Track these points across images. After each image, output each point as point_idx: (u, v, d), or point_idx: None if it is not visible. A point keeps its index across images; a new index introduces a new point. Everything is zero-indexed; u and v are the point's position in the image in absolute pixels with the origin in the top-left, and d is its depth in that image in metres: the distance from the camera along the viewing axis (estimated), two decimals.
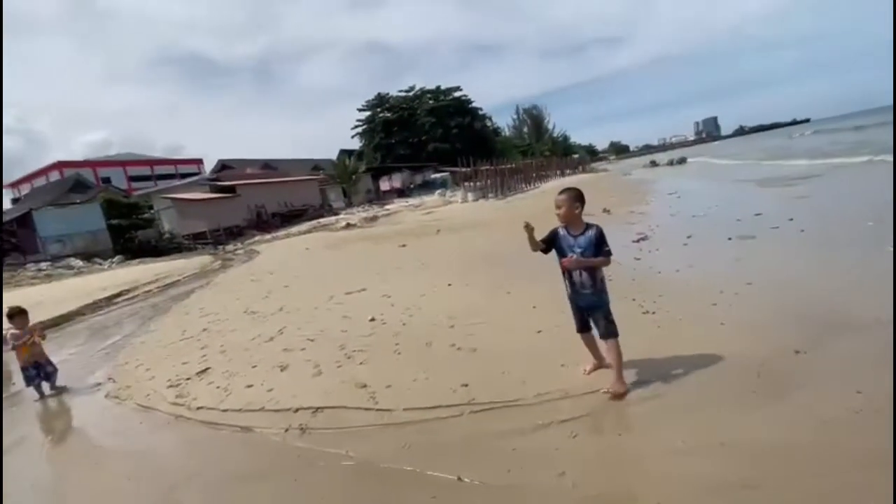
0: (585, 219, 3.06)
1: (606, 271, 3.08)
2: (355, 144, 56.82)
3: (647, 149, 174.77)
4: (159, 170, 54.12)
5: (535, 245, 3.12)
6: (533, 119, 70.52)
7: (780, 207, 8.92)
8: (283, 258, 13.75)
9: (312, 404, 3.36)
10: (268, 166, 45.73)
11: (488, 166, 28.67)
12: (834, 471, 2.02)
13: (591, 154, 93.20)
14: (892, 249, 4.87)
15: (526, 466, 2.33)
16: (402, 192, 41.51)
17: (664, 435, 2.42)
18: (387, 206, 30.56)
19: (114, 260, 21.87)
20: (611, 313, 3.04)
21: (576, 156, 61.77)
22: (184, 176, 46.86)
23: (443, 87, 55.17)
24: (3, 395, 5.05)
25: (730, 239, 6.81)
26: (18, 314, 4.84)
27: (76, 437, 3.76)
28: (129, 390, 4.39)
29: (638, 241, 7.64)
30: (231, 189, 30.40)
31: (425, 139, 51.78)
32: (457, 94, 54.80)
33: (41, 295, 12.67)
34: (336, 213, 30.92)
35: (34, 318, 5.75)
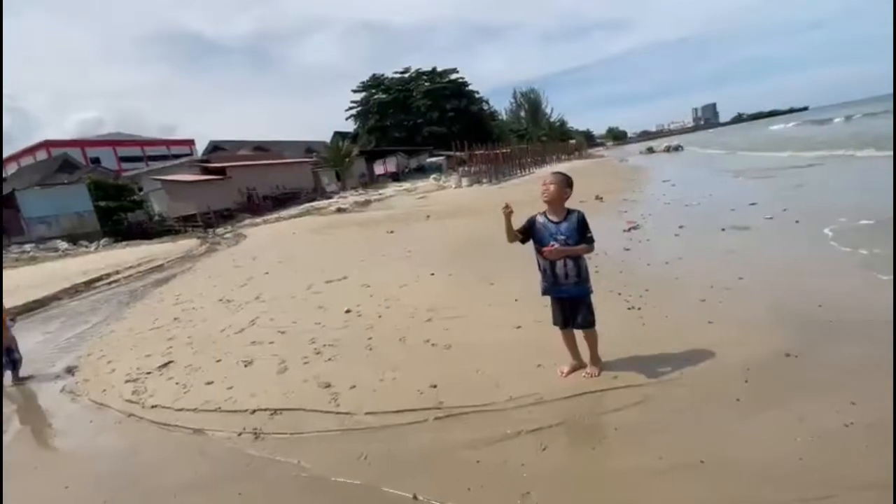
0: (578, 206, 2.92)
1: (593, 263, 2.88)
2: (350, 126, 55.90)
3: (646, 135, 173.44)
4: (150, 150, 52.99)
5: (512, 234, 2.89)
6: (530, 103, 69.31)
7: (774, 196, 8.70)
8: (268, 243, 13.46)
9: (271, 405, 3.14)
10: (260, 148, 44.85)
11: (482, 151, 28.22)
12: (825, 496, 1.82)
13: (589, 140, 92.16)
14: (887, 249, 4.66)
15: (488, 484, 2.12)
16: (396, 177, 40.96)
17: (641, 450, 2.21)
18: (380, 191, 30.13)
19: (101, 242, 21.48)
20: (591, 303, 2.92)
21: (572, 141, 60.96)
22: (175, 157, 45.98)
23: (439, 70, 54.16)
24: None
25: (723, 230, 6.59)
26: None
27: (21, 439, 3.51)
28: (87, 385, 4.17)
29: (629, 230, 7.41)
30: (222, 171, 29.80)
31: (421, 122, 50.98)
32: (453, 76, 53.78)
33: (22, 278, 12.38)
34: (329, 197, 30.43)
35: (10, 302, 5.51)
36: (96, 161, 43.74)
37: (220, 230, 21.59)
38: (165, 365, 4.27)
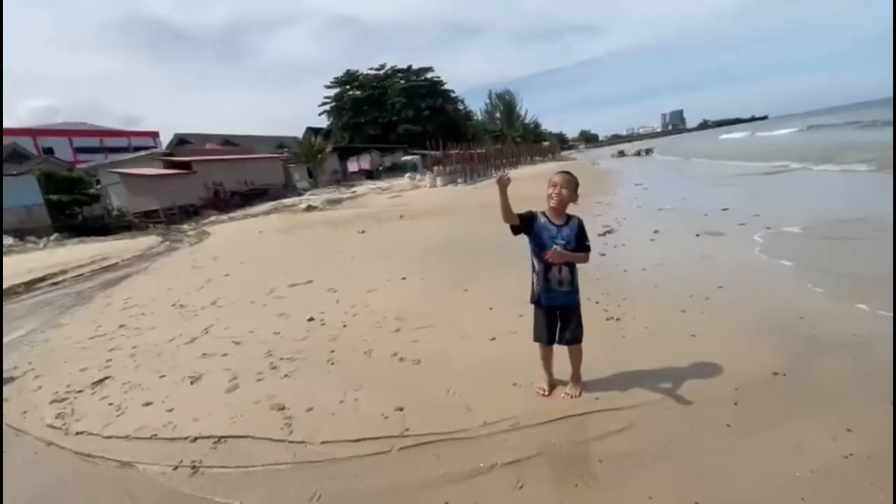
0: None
1: None
2: (323, 122, 54.75)
3: (616, 138, 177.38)
4: (111, 142, 50.34)
5: (509, 214, 2.49)
6: (505, 104, 69.55)
7: (745, 202, 8.77)
8: (232, 241, 12.82)
9: (214, 432, 2.77)
10: (229, 142, 43.32)
11: (457, 151, 27.99)
12: None
13: (562, 142, 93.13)
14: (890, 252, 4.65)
15: None
16: (370, 174, 40.24)
17: (629, 489, 1.98)
18: (353, 188, 29.48)
19: (51, 238, 20.13)
20: (581, 315, 2.71)
21: (546, 143, 61.46)
22: (137, 149, 43.82)
23: (415, 67, 53.65)
24: None
25: (697, 235, 6.54)
26: None
27: None
28: (7, 405, 3.67)
29: (604, 234, 7.28)
30: (187, 165, 28.51)
31: (395, 120, 50.32)
32: (429, 74, 53.35)
33: None
34: (300, 194, 29.58)
35: None
36: (49, 151, 41.31)
37: (184, 227, 20.59)
38: (101, 381, 3.82)
